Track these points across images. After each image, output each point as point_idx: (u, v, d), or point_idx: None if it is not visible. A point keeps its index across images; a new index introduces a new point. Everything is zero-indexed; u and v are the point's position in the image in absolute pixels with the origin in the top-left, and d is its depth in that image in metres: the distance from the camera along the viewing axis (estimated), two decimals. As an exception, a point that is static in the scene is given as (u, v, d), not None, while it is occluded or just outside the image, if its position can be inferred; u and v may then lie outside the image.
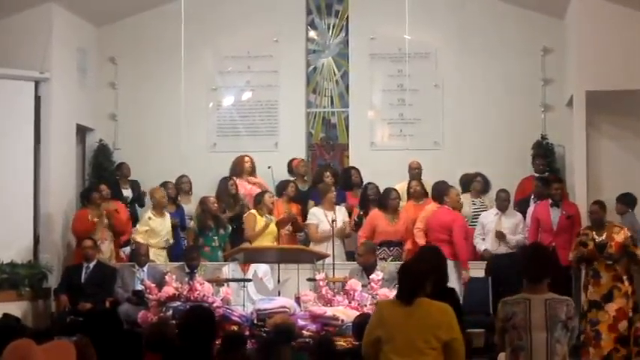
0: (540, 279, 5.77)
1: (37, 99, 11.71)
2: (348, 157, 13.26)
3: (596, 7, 11.44)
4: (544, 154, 12.31)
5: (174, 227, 11.61)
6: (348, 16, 13.34)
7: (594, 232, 9.84)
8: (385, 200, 11.16)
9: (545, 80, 12.75)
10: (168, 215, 11.58)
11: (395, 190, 11.33)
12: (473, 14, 12.94)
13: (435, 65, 13.02)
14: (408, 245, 11.06)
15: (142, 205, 12.31)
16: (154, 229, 11.41)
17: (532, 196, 11.61)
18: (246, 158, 12.38)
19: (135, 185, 12.53)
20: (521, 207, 11.57)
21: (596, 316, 9.58)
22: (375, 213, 11.18)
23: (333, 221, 10.77)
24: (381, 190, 11.49)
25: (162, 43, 12.91)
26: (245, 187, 12.14)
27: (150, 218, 11.45)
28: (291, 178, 12.29)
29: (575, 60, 11.64)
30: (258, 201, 11.43)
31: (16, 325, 6.32)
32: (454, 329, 5.39)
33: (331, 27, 13.46)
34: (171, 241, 11.55)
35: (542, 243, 6.68)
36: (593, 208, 10.07)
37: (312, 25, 13.48)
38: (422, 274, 5.54)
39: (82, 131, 12.90)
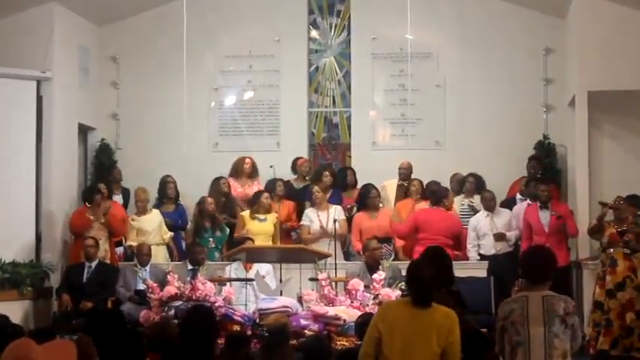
0: (541, 281, 5.80)
1: (39, 98, 11.69)
2: (350, 156, 13.26)
3: (598, 6, 11.44)
4: (543, 155, 12.31)
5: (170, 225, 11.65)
6: (349, 16, 13.33)
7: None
8: (365, 199, 11.28)
9: (546, 80, 12.75)
10: (155, 211, 11.61)
11: (375, 188, 11.42)
12: (474, 14, 12.93)
13: (436, 65, 13.01)
14: (399, 242, 11.09)
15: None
16: (141, 228, 11.47)
17: (517, 195, 11.70)
18: (247, 160, 12.34)
19: (125, 192, 12.52)
20: (506, 206, 11.58)
21: (609, 304, 9.68)
22: (357, 216, 11.32)
23: (334, 221, 10.76)
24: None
25: (164, 43, 12.90)
26: (242, 190, 12.11)
27: (133, 220, 11.55)
28: (294, 176, 12.35)
29: (577, 60, 11.64)
30: (255, 200, 11.44)
31: (6, 323, 6.25)
32: (453, 334, 5.36)
33: (333, 26, 13.45)
34: (168, 235, 11.56)
35: (543, 245, 6.81)
36: (621, 205, 10.08)
37: (313, 24, 13.47)
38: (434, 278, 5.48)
39: (83, 130, 12.90)
